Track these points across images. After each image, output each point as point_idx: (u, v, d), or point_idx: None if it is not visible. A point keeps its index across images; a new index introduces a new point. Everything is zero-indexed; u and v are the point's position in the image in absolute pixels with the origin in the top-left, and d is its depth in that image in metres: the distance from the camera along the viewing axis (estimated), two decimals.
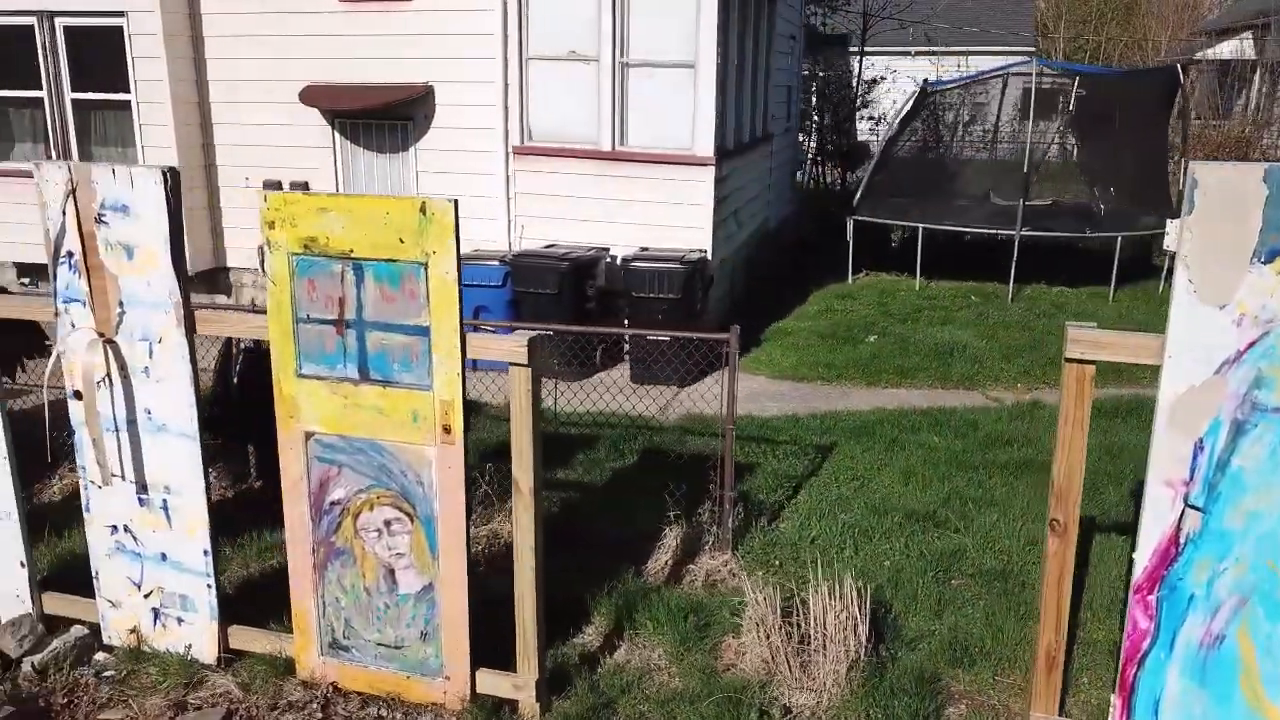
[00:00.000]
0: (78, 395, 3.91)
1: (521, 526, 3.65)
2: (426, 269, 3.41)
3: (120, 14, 9.34)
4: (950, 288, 11.60)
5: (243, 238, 9.94)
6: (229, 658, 4.06)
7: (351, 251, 3.47)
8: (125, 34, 9.42)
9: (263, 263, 3.58)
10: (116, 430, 3.89)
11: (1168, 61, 29.48)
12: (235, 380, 5.87)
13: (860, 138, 17.10)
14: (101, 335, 3.81)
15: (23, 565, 4.21)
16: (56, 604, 4.28)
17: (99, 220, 3.69)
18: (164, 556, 4.00)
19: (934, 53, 22.33)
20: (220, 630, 4.02)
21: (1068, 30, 37.21)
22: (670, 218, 8.84)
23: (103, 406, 3.88)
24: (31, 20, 9.62)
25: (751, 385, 8.14)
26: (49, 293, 3.87)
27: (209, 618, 4.01)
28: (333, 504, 3.76)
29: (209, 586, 3.98)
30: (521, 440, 3.56)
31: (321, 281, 3.54)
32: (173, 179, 3.63)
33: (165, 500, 3.93)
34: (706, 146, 8.68)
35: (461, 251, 3.41)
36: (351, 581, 3.81)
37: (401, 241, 3.41)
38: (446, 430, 3.54)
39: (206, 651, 4.04)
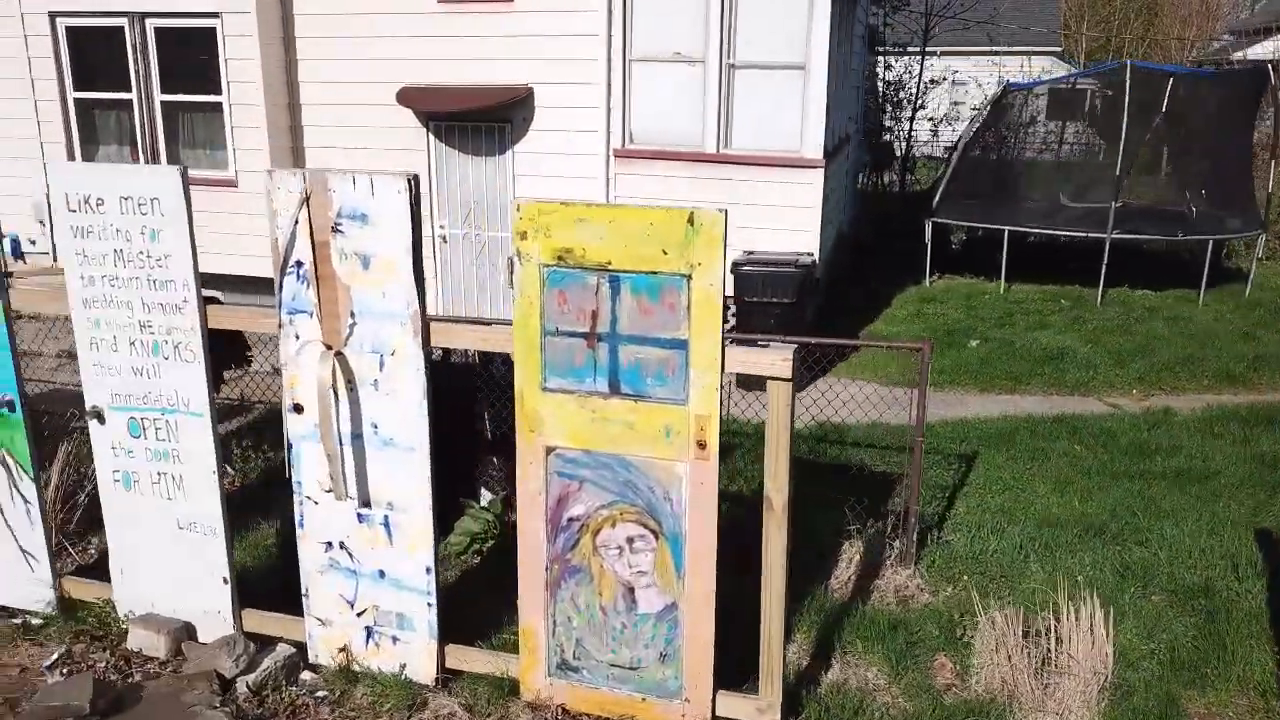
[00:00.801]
0: (297, 409, 3.82)
1: (773, 545, 3.54)
2: (690, 281, 3.31)
3: (214, 15, 9.24)
4: (1034, 291, 11.44)
5: None
6: (444, 677, 3.96)
7: (609, 263, 3.37)
8: (219, 35, 9.31)
9: (511, 275, 3.48)
10: (340, 445, 3.78)
11: (1206, 61, 29.30)
12: None
13: (920, 139, 16.99)
14: (329, 347, 3.71)
15: (226, 582, 4.11)
16: (256, 621, 4.18)
17: (335, 229, 3.59)
18: (381, 574, 3.90)
19: (962, 53, 22.10)
20: (439, 649, 3.92)
21: (1090, 29, 37.00)
22: (775, 220, 8.72)
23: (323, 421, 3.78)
24: (122, 21, 9.52)
25: (865, 391, 7.99)
26: (260, 303, 3.77)
27: (428, 637, 3.91)
28: (571, 520, 3.65)
29: (429, 605, 3.88)
30: (778, 457, 3.46)
31: (574, 294, 3.44)
32: (414, 187, 3.53)
33: (387, 516, 3.83)
34: (816, 149, 8.56)
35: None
36: (586, 600, 3.70)
37: (665, 253, 3.30)
38: (701, 446, 3.43)
39: (423, 671, 3.94)
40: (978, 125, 12.29)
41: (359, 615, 3.98)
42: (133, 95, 9.73)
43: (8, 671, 4.13)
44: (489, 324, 3.86)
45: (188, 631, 4.19)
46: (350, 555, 3.92)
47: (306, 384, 3.77)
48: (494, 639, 4.20)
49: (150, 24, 9.47)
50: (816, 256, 8.71)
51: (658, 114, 8.92)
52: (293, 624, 4.13)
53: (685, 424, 3.43)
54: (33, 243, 10.70)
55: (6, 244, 10.84)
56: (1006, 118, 12.32)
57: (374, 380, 3.71)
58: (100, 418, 4.07)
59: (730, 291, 8.47)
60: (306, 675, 4.07)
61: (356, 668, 4.02)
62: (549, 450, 3.61)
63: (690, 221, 3.26)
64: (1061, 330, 9.78)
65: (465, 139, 9.42)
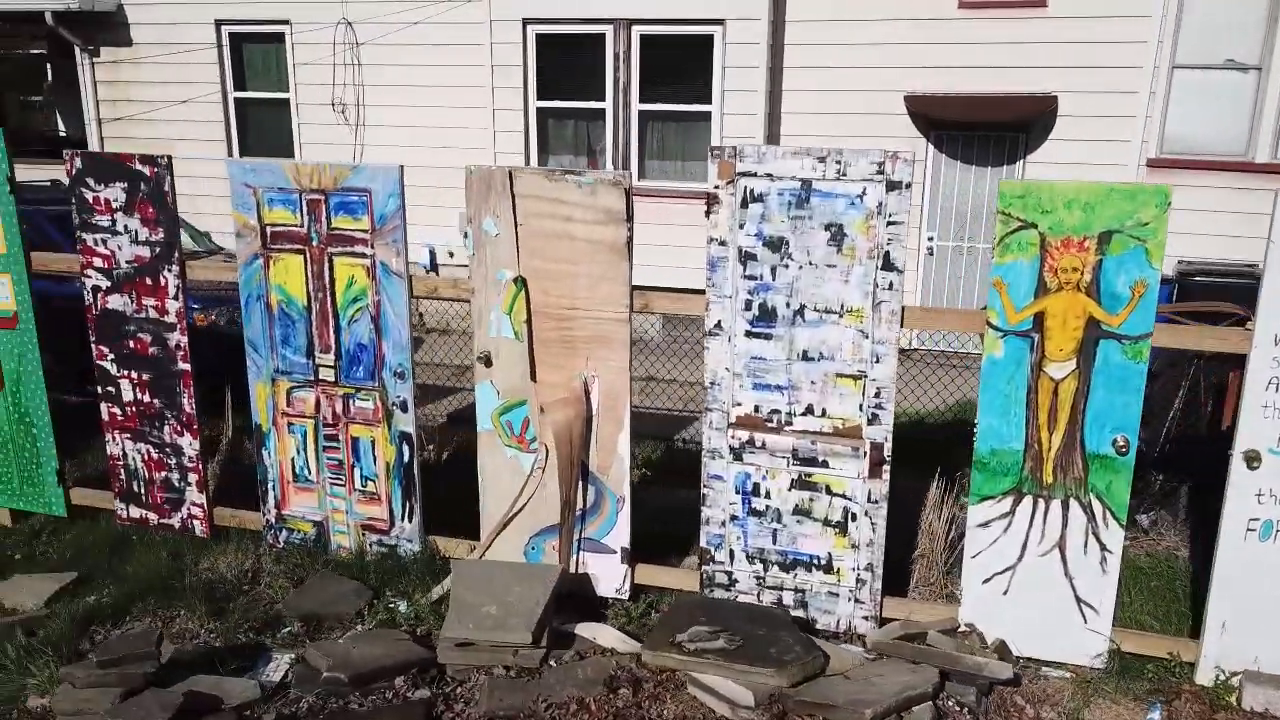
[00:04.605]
0: None
1: None
2: None
3: (717, 22, 9.00)
4: None
5: None
6: None
7: None
8: (716, 43, 9.07)
9: None
10: None
11: None
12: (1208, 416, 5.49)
13: None
14: None
15: None
16: None
17: None
18: None
19: None
20: None
21: None
22: None
23: None
24: (604, 29, 9.29)
25: None
26: None
27: None
28: None
29: None
30: None
31: None
32: None
33: None
34: None
35: None
36: None
37: None
38: None
39: None
40: None
41: None
42: (606, 104, 9.49)
43: None
44: None
45: None
46: None
47: None
48: None
49: (636, 31, 9.23)
50: None
51: (1194, 123, 8.61)
52: None
53: None
54: (450, 255, 10.51)
55: (425, 254, 10.66)
56: None
57: None
58: (1254, 462, 3.78)
59: None
60: None
61: None
62: None
63: None
64: None
65: (969, 149, 9.13)
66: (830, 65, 9.17)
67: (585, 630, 4.29)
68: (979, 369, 3.98)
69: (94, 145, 11.50)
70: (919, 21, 8.85)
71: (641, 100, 9.40)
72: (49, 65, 13.17)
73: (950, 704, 3.75)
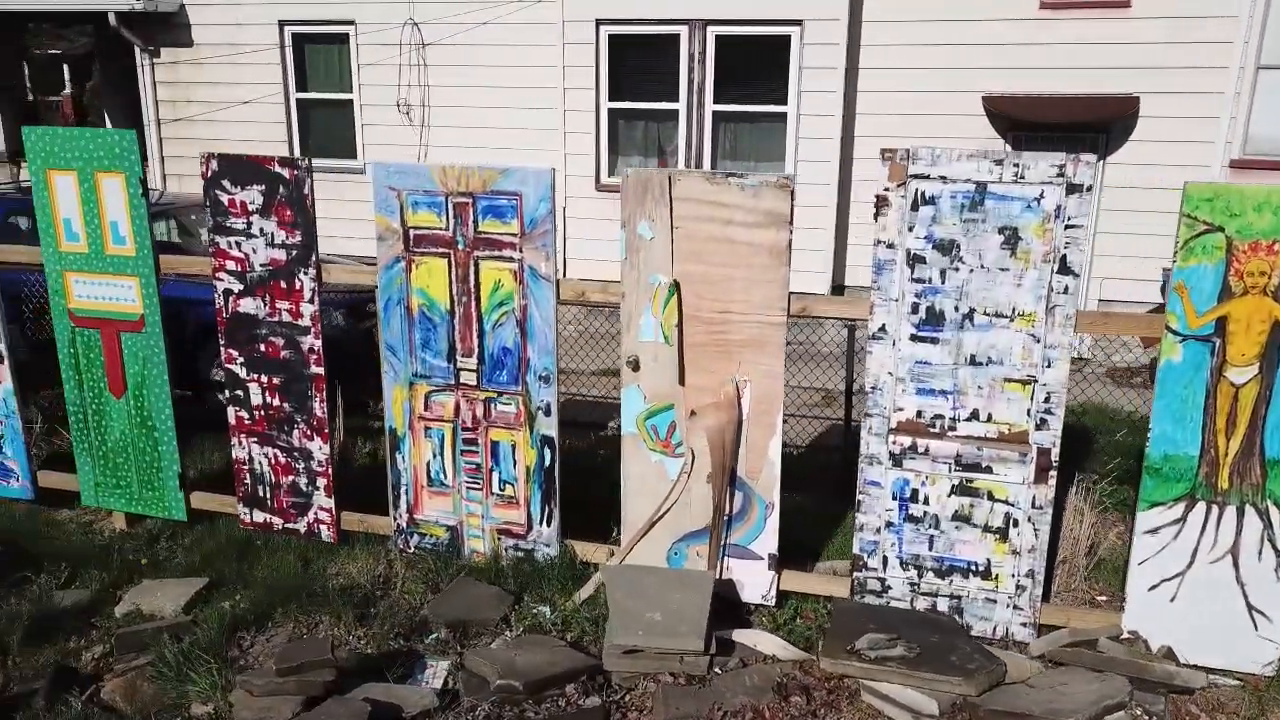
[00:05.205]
0: None
1: None
2: None
3: (795, 23, 8.96)
4: None
5: (864, 256, 9.53)
6: None
7: None
8: (793, 43, 9.02)
9: None
10: None
11: None
12: None
13: None
14: None
15: None
16: None
17: None
18: None
19: None
20: None
21: None
22: None
23: None
24: (679, 30, 9.25)
25: None
26: None
27: None
28: None
29: None
30: None
31: None
32: None
33: None
34: None
35: None
36: None
37: None
38: None
39: None
40: None
41: None
42: (680, 105, 9.45)
43: None
44: None
45: None
46: None
47: None
48: None
49: (712, 32, 9.19)
50: None
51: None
52: None
53: None
54: None
55: None
56: None
57: None
58: None
59: None
60: None
61: None
62: None
63: None
64: None
65: (1048, 150, 9.07)
66: (907, 66, 9.13)
67: (744, 637, 4.25)
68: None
69: (153, 146, 11.47)
70: (999, 21, 8.80)
71: (715, 101, 9.36)
72: (99, 66, 13.16)
73: (1139, 712, 3.71)
